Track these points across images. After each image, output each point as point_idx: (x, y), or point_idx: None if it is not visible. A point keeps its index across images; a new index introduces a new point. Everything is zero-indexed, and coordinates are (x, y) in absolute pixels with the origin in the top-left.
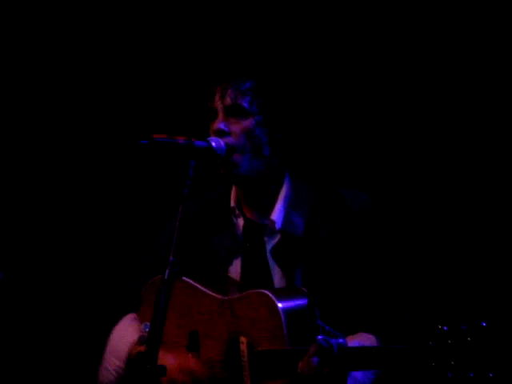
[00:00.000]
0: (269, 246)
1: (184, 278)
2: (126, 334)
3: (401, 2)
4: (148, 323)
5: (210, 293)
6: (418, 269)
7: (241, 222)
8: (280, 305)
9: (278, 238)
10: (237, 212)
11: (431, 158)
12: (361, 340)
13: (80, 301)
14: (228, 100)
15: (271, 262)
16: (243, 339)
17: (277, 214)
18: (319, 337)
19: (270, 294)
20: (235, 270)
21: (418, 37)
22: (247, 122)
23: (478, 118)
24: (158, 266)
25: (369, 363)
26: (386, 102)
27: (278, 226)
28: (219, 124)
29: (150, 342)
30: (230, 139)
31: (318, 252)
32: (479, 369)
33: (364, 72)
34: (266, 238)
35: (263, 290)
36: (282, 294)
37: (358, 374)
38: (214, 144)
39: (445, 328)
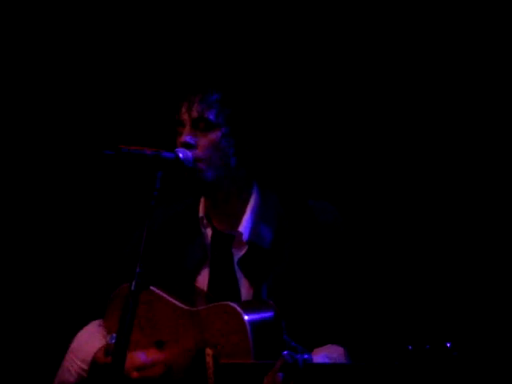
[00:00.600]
0: (236, 258)
1: (151, 288)
2: (92, 337)
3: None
4: (114, 334)
5: (177, 303)
6: (386, 283)
7: (209, 232)
8: (246, 317)
9: (245, 249)
10: (205, 222)
11: (404, 167)
12: (328, 352)
13: (45, 306)
14: (194, 113)
15: (238, 273)
16: (209, 351)
17: (244, 226)
18: (284, 352)
19: (237, 307)
20: (203, 280)
21: (397, 36)
22: (213, 135)
23: (472, 120)
24: (125, 274)
25: (334, 380)
26: (354, 112)
27: (245, 237)
28: (185, 137)
29: (116, 354)
30: (196, 152)
31: (284, 264)
32: None
33: (330, 82)
34: (233, 250)
35: (230, 303)
36: (248, 307)
37: None
38: (181, 155)
39: (409, 347)
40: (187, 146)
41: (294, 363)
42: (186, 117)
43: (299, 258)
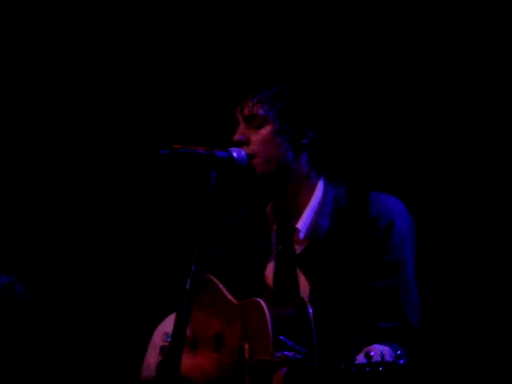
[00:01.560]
0: (297, 253)
1: (216, 283)
2: (165, 328)
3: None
4: (170, 333)
5: (231, 297)
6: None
7: (274, 227)
8: (269, 313)
9: (304, 245)
10: (271, 217)
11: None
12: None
13: (128, 301)
14: (246, 111)
15: (298, 268)
16: (247, 346)
17: (303, 222)
18: (277, 354)
19: (263, 303)
20: (269, 274)
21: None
22: (265, 131)
23: (480, 118)
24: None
25: (334, 381)
26: (421, 103)
27: (302, 234)
28: (238, 135)
29: (171, 353)
30: (249, 149)
31: (334, 259)
32: None
33: (390, 75)
34: (296, 246)
35: (258, 299)
36: (276, 303)
37: None
38: (235, 154)
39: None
40: (239, 143)
41: (288, 363)
42: (239, 116)
43: (349, 253)
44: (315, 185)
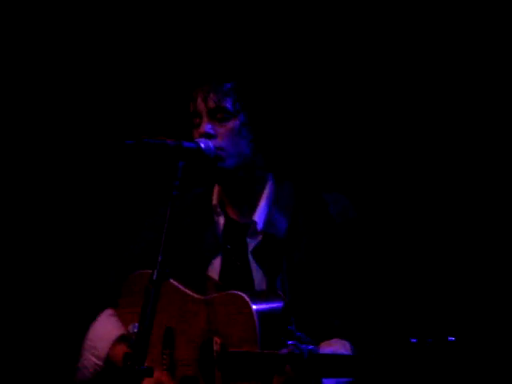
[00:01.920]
0: (250, 247)
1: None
2: (104, 331)
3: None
4: (136, 324)
5: (189, 292)
6: (392, 277)
7: (221, 220)
8: (254, 307)
9: (259, 238)
10: (218, 210)
11: (420, 161)
12: (335, 348)
13: (56, 296)
14: (211, 103)
15: (252, 262)
16: (217, 339)
17: (259, 215)
18: (290, 342)
19: (246, 296)
20: (214, 269)
21: (404, 33)
22: (231, 124)
23: (475, 119)
24: (136, 261)
25: (338, 371)
26: (373, 102)
27: (259, 226)
28: (205, 127)
29: (138, 344)
30: (216, 141)
31: (298, 255)
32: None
33: (351, 70)
34: (248, 239)
35: (239, 292)
36: (257, 297)
37: (330, 382)
38: (203, 145)
39: (413, 340)
40: (208, 136)
41: (300, 353)
42: (202, 107)
43: (312, 250)
44: (266, 180)
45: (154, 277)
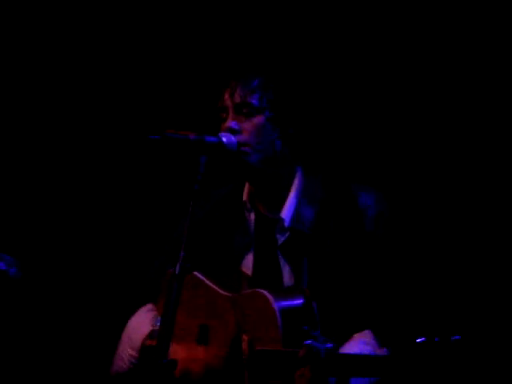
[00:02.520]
0: (279, 242)
1: (195, 273)
2: (141, 324)
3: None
4: (159, 318)
5: (218, 289)
6: (420, 272)
7: (253, 216)
8: (276, 305)
9: (287, 234)
10: (248, 206)
11: (443, 157)
12: (366, 339)
13: (97, 293)
14: (237, 98)
15: (281, 258)
16: (245, 337)
17: (287, 211)
18: (307, 341)
19: (268, 294)
20: (247, 264)
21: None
22: (257, 119)
23: (484, 117)
24: (175, 257)
25: (352, 370)
26: (401, 95)
27: (286, 223)
28: (230, 122)
29: (161, 337)
30: (241, 137)
31: (324, 249)
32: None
33: (377, 65)
34: (277, 235)
35: (260, 290)
36: (280, 294)
37: (359, 382)
38: (224, 139)
39: (421, 339)
40: (232, 131)
41: (317, 353)
42: (228, 103)
43: (337, 244)
44: (294, 175)
45: (177, 271)
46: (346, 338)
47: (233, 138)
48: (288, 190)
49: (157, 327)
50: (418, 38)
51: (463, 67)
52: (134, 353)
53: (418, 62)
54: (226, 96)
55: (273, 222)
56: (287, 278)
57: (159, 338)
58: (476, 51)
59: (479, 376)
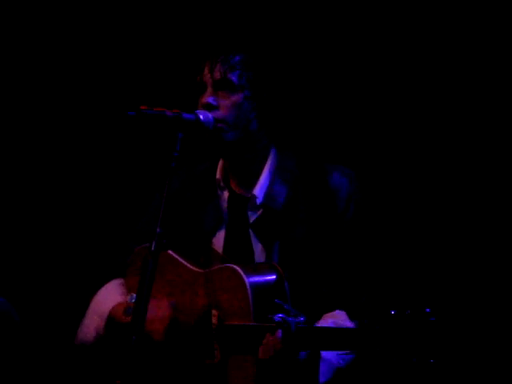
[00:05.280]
0: (251, 220)
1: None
2: (110, 294)
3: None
4: (134, 294)
5: (190, 265)
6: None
7: (226, 194)
8: (248, 280)
9: (259, 212)
10: (222, 184)
11: (423, 141)
12: (336, 319)
13: (68, 265)
14: (217, 74)
15: (252, 235)
16: (215, 312)
17: (259, 188)
18: (278, 315)
19: (239, 269)
20: (218, 242)
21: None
22: (236, 97)
23: (478, 117)
24: (147, 234)
25: (329, 343)
26: (377, 80)
27: (259, 200)
28: (208, 98)
29: (136, 313)
30: (218, 113)
31: (295, 227)
32: (421, 354)
33: (357, 48)
34: (249, 212)
35: (233, 265)
36: (251, 269)
37: (330, 356)
38: (201, 117)
39: (392, 312)
40: (209, 107)
41: (287, 326)
42: (208, 78)
43: (309, 223)
44: (268, 153)
45: (153, 248)
46: (317, 317)
47: (210, 116)
48: (261, 169)
49: (131, 304)
50: (397, 24)
51: (446, 63)
52: (100, 322)
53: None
54: (206, 71)
55: (245, 200)
56: (258, 255)
57: (134, 315)
58: (475, 51)
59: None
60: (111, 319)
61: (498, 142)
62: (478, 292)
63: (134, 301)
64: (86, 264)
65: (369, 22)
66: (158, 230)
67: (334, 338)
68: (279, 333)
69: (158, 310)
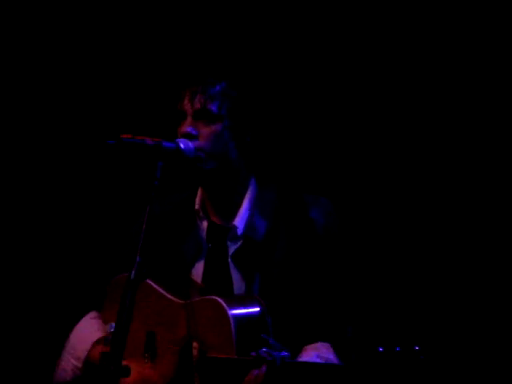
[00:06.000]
0: (231, 251)
1: (147, 280)
2: (85, 333)
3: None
4: (113, 324)
5: (170, 296)
6: (367, 284)
7: (205, 224)
8: (230, 312)
9: (240, 242)
10: (201, 214)
11: (405, 163)
12: (319, 352)
13: (40, 299)
14: (197, 104)
15: (232, 266)
16: (195, 344)
17: (240, 219)
18: (263, 349)
19: (222, 302)
20: (197, 272)
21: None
22: (216, 126)
23: (472, 119)
24: (121, 265)
25: (310, 378)
26: (356, 106)
27: (239, 231)
28: (187, 127)
29: (115, 343)
30: (197, 143)
31: (275, 259)
32: None
33: (332, 77)
34: (228, 243)
35: (216, 297)
36: (234, 302)
37: None
38: (182, 145)
39: (380, 349)
40: (189, 136)
41: (272, 361)
42: (188, 107)
43: (289, 254)
44: (248, 184)
45: (132, 277)
46: (298, 348)
47: (190, 144)
48: (241, 200)
49: (110, 334)
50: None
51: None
52: (77, 363)
53: (369, 69)
54: (186, 101)
55: (225, 231)
56: (237, 286)
57: (113, 345)
58: (475, 51)
59: None
60: (88, 363)
61: (495, 156)
62: (467, 328)
63: (112, 330)
64: (60, 295)
65: (350, 49)
66: (137, 258)
67: (320, 374)
68: (263, 368)
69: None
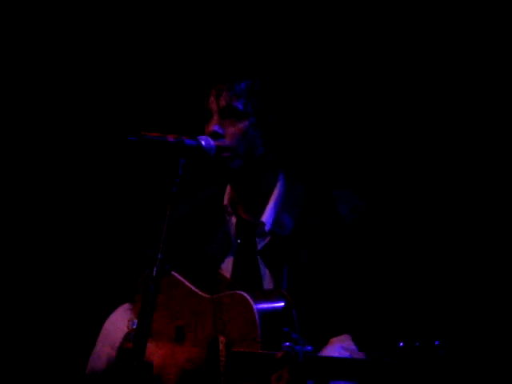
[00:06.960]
0: (259, 247)
1: (174, 274)
2: (119, 323)
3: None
4: (136, 320)
5: (197, 290)
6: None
7: (233, 220)
8: (256, 307)
9: (267, 239)
10: (229, 210)
11: (431, 160)
12: (344, 344)
13: (76, 292)
14: (223, 102)
15: (260, 261)
16: (222, 338)
17: (267, 215)
18: (285, 343)
19: (248, 296)
20: (227, 267)
21: (418, 34)
22: (241, 124)
23: (478, 118)
24: (150, 260)
25: (333, 372)
26: (383, 102)
27: (267, 227)
28: (214, 126)
29: (137, 340)
30: (224, 141)
31: (303, 254)
32: None
33: (360, 71)
34: (257, 239)
35: (241, 292)
36: (260, 297)
37: None
38: (203, 143)
39: (401, 344)
40: (216, 135)
41: (295, 355)
42: (214, 106)
43: (317, 249)
44: (276, 180)
45: (154, 273)
46: (324, 342)
47: (212, 142)
48: (269, 196)
49: (133, 330)
50: (399, 52)
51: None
52: (112, 351)
53: (396, 76)
54: (212, 99)
55: (253, 226)
56: (267, 282)
57: (135, 341)
58: (475, 52)
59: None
60: (122, 349)
61: (495, 160)
62: (488, 323)
63: (135, 327)
64: (97, 287)
65: (374, 43)
66: (159, 255)
67: (342, 368)
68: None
69: (171, 358)
